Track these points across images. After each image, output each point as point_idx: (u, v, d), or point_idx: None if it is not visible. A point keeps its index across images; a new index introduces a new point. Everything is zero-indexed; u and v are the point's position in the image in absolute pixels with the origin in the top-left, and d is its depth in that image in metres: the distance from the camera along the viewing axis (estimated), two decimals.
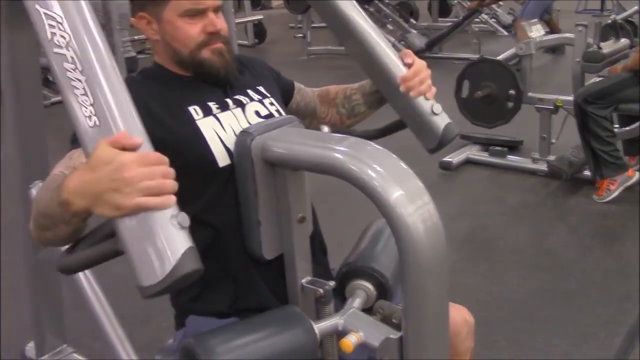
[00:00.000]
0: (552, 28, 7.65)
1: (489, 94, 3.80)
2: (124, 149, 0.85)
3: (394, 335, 1.06)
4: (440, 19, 9.80)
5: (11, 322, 2.57)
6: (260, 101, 1.28)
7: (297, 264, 1.21)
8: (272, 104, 1.30)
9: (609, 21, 3.70)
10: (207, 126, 1.20)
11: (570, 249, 2.96)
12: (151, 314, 2.57)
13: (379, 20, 8.12)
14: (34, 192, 1.76)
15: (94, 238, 0.93)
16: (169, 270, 0.84)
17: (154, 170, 0.84)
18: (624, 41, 3.64)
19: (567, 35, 3.73)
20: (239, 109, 1.25)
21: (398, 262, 1.32)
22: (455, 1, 10.04)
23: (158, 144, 0.92)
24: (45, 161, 1.80)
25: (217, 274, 1.22)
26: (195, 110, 1.21)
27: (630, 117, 3.50)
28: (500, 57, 3.83)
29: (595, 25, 3.53)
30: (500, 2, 10.19)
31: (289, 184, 1.16)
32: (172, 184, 0.86)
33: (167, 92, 1.22)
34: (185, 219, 0.87)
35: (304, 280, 1.23)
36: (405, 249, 1.01)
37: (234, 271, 1.22)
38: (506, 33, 9.11)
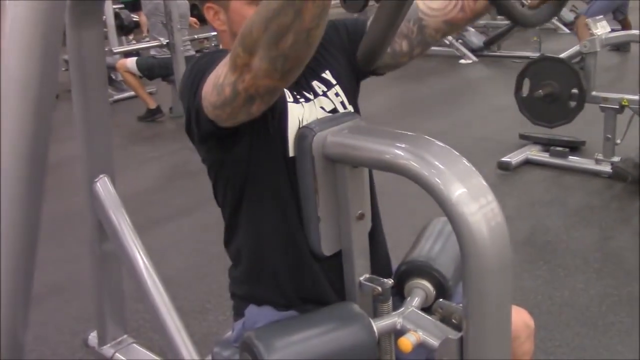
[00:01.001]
0: (625, 27, 7.41)
1: (550, 93, 3.71)
2: None
3: (454, 335, 1.05)
4: (498, 16, 9.62)
5: (75, 312, 2.66)
6: (325, 94, 1.25)
7: (355, 260, 1.20)
8: (337, 94, 1.26)
9: None
10: (293, 112, 1.19)
11: (635, 253, 2.85)
12: (208, 308, 2.62)
13: None
14: (99, 185, 1.82)
15: None
16: None
17: None
18: None
19: (634, 32, 3.60)
20: (309, 102, 1.23)
21: (458, 262, 1.32)
22: None
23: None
24: (110, 156, 1.85)
25: (278, 265, 1.23)
26: (287, 92, 1.20)
27: None
28: (563, 55, 3.73)
29: None
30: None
31: (348, 180, 1.15)
32: None
33: None
34: None
35: (362, 278, 1.22)
36: (468, 248, 0.99)
37: (294, 264, 1.22)
38: (568, 31, 8.90)
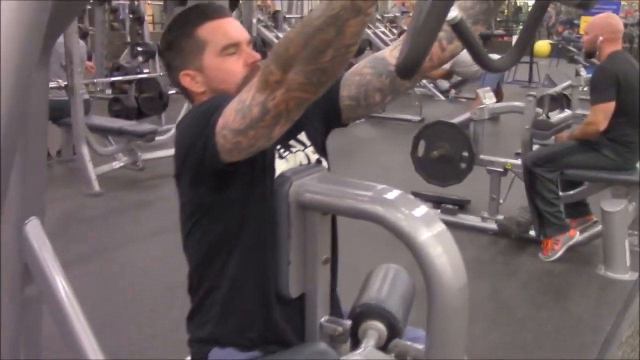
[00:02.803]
0: (498, 97, 8.17)
1: (443, 155, 4.00)
2: None
3: None
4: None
5: None
6: (303, 151, 1.34)
7: (318, 302, 1.28)
8: (313, 152, 1.35)
9: (553, 93, 4.00)
10: (280, 166, 1.25)
11: (524, 303, 3.12)
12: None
13: None
14: (29, 227, 1.76)
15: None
16: None
17: None
18: (568, 112, 3.95)
19: (517, 104, 4.00)
20: (291, 156, 1.31)
21: (405, 305, 1.43)
22: None
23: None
24: (43, 198, 1.80)
25: (247, 307, 1.27)
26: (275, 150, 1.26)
27: (572, 182, 3.76)
28: (454, 121, 4.06)
29: (544, 96, 3.81)
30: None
31: (318, 227, 1.23)
32: None
33: None
34: None
35: (322, 319, 1.29)
36: (434, 287, 1.11)
37: (262, 305, 1.27)
38: (443, 98, 9.62)
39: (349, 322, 1.29)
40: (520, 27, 18.38)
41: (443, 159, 4.00)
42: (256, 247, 1.24)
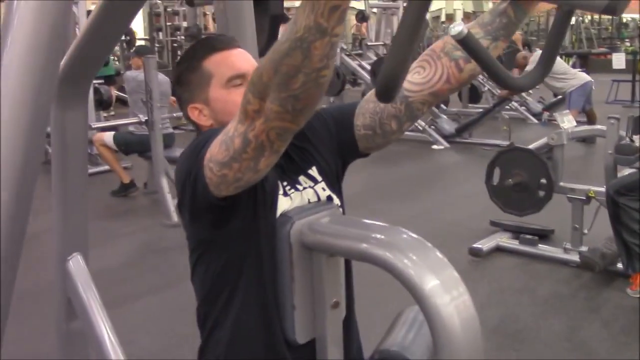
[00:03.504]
0: (590, 118, 7.80)
1: (519, 182, 3.81)
2: None
3: None
4: (470, 104, 9.96)
5: None
6: (312, 187, 1.28)
7: (328, 349, 1.21)
8: (324, 189, 1.29)
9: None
10: (282, 204, 1.21)
11: (604, 343, 2.88)
12: None
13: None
14: (72, 263, 1.80)
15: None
16: None
17: None
18: None
19: (599, 127, 3.77)
20: (297, 192, 1.26)
21: (431, 351, 1.34)
22: (486, 88, 10.23)
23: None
24: (86, 234, 1.85)
25: (252, 351, 1.23)
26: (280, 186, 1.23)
27: None
28: (531, 146, 3.87)
29: (628, 118, 3.56)
30: (530, 91, 10.40)
31: (324, 269, 1.18)
32: None
33: None
34: None
35: None
36: (440, 339, 1.01)
37: (266, 349, 1.22)
38: (536, 121, 9.23)
39: None
40: (626, 44, 17.50)
41: (519, 186, 3.81)
42: (258, 288, 1.20)
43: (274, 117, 0.93)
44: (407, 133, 8.62)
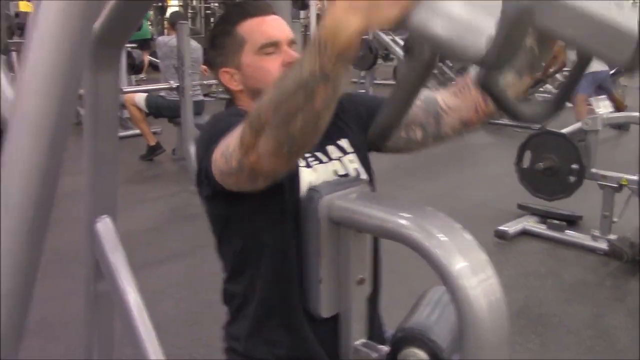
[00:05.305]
0: (616, 104, 7.57)
1: (550, 167, 3.75)
2: None
3: None
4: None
5: (64, 350, 2.62)
6: (340, 159, 1.27)
7: (352, 324, 1.21)
8: (351, 161, 1.29)
9: None
10: (305, 176, 1.21)
11: (627, 333, 2.84)
12: (197, 358, 2.59)
13: (442, 83, 8.16)
14: (100, 226, 1.82)
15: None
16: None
17: None
18: None
19: (634, 114, 3.68)
20: (322, 165, 1.25)
21: (454, 333, 1.33)
22: None
23: None
24: (115, 198, 1.86)
25: (275, 324, 1.23)
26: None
27: None
28: (565, 131, 3.79)
29: None
30: (564, 72, 10.17)
31: (351, 245, 1.17)
32: None
33: None
34: None
35: (357, 342, 1.22)
36: (466, 322, 1.00)
37: (291, 324, 1.22)
38: (570, 104, 9.06)
39: (385, 348, 1.21)
40: None
41: (550, 171, 3.75)
42: (281, 262, 1.20)
43: (268, 155, 0.92)
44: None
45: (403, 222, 1.06)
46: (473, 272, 1.02)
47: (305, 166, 1.21)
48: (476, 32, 0.75)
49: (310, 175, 1.21)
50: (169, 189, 4.97)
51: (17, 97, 1.32)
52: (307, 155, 1.23)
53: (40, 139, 1.28)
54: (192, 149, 4.90)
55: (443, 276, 1.01)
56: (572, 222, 4.07)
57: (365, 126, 1.30)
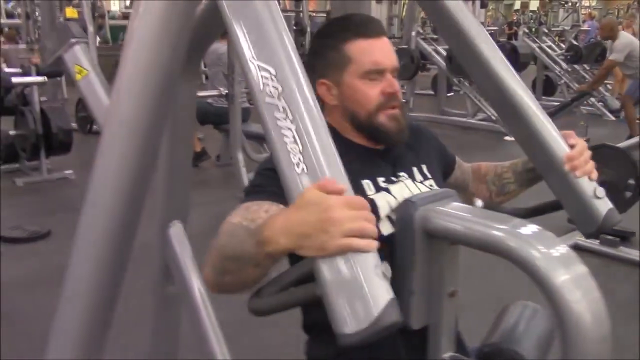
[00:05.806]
0: None
1: (605, 181, 3.68)
2: (330, 193, 0.87)
3: None
4: (544, 97, 9.68)
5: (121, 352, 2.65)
6: (422, 182, 1.31)
7: (442, 337, 1.20)
8: (432, 186, 1.32)
9: None
10: (380, 199, 1.24)
11: None
12: None
13: None
14: (172, 231, 1.84)
15: (282, 283, 0.93)
16: (372, 319, 0.84)
17: (358, 214, 0.86)
18: None
19: None
20: (403, 185, 1.28)
21: (539, 348, 1.31)
22: (562, 81, 9.93)
23: None
24: (187, 203, 1.88)
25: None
26: (368, 185, 1.25)
27: None
28: (621, 145, 3.73)
29: None
30: (609, 86, 10.02)
31: (445, 257, 1.16)
32: (374, 229, 0.87)
33: (344, 159, 1.25)
34: (387, 269, 0.88)
35: (446, 355, 1.21)
36: (570, 337, 0.99)
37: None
38: (613, 118, 8.90)
39: None
40: None
41: (604, 185, 3.67)
42: None
43: (206, 279, 1.09)
44: (478, 122, 8.50)
45: (501, 233, 1.05)
46: (576, 285, 1.00)
47: (375, 192, 1.25)
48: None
49: (384, 197, 1.24)
50: (214, 195, 5.01)
51: (112, 101, 1.36)
52: (389, 174, 1.29)
53: (133, 141, 1.31)
54: (240, 156, 4.95)
55: (545, 289, 1.00)
56: (625, 237, 3.99)
57: (440, 163, 1.46)
